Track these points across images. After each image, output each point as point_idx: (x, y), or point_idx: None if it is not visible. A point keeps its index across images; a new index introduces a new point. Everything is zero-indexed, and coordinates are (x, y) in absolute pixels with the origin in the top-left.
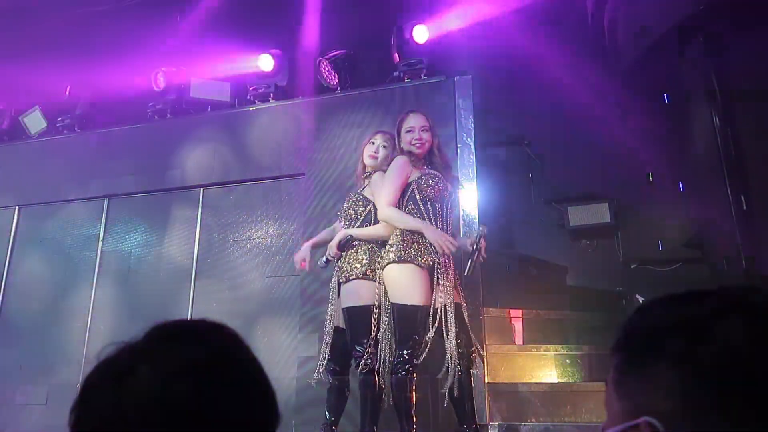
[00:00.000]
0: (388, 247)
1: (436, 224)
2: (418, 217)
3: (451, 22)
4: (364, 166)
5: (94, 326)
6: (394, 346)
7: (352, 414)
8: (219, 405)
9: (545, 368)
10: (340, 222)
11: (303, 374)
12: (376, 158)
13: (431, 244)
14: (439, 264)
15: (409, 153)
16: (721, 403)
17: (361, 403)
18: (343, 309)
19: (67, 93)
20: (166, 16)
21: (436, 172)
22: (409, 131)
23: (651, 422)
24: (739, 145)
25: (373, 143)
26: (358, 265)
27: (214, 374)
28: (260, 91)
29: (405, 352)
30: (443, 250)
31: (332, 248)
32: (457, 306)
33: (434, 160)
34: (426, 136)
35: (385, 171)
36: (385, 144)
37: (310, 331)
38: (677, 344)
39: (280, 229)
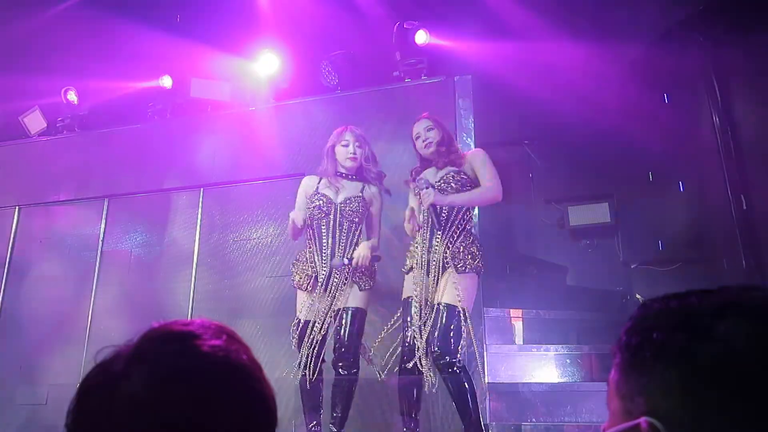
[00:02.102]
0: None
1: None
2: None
3: (452, 21)
4: (337, 166)
5: (94, 326)
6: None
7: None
8: (215, 408)
9: (545, 368)
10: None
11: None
12: (356, 159)
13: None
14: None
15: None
16: (722, 403)
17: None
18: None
19: (66, 95)
20: (167, 16)
21: (454, 168)
22: (417, 137)
23: (651, 422)
24: (740, 145)
25: (345, 145)
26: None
27: (210, 377)
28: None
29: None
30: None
31: (366, 259)
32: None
33: (451, 157)
34: (431, 134)
35: (355, 177)
36: (359, 144)
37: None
38: (678, 344)
39: (280, 229)
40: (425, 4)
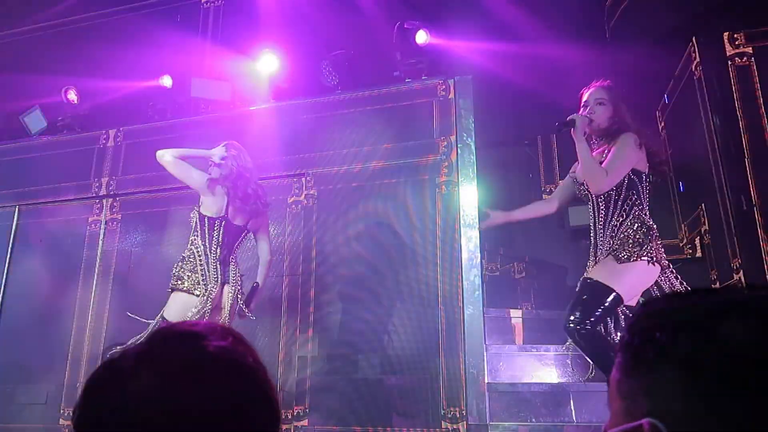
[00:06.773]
0: None
1: None
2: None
3: (452, 22)
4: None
5: (94, 326)
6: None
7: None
8: (220, 408)
9: (545, 368)
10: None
11: (304, 375)
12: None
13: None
14: None
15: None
16: (725, 405)
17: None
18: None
19: (66, 95)
20: (167, 15)
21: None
22: (584, 105)
23: (653, 423)
24: (739, 145)
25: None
26: None
27: (216, 377)
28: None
29: None
30: None
31: None
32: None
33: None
34: (599, 111)
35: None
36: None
37: (312, 332)
38: (680, 344)
39: (280, 228)
40: (427, 4)
